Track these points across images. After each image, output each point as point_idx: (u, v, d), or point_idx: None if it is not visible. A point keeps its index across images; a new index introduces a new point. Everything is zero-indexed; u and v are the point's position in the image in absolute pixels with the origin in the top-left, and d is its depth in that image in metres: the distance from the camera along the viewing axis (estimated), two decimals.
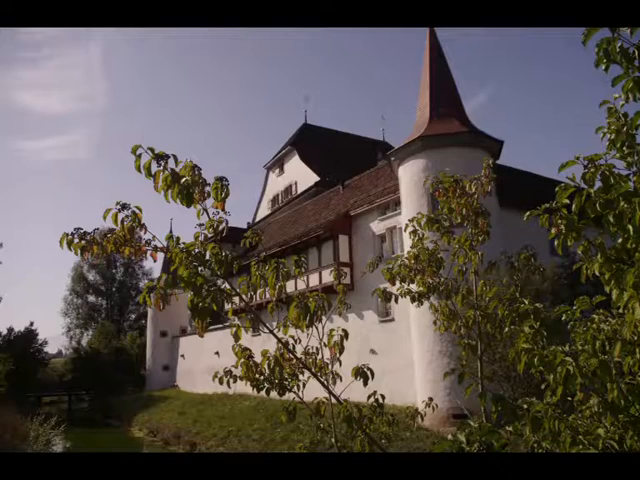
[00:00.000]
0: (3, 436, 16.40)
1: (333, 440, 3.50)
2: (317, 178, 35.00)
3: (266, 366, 3.25)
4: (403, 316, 18.78)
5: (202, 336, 2.98)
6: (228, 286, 2.87)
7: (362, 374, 3.41)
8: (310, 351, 3.58)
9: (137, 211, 2.72)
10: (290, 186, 39.24)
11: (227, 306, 3.02)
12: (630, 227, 2.39)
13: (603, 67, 2.75)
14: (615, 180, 2.46)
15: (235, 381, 3.45)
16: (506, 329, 3.49)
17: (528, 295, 4.01)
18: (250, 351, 3.29)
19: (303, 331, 3.19)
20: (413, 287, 4.29)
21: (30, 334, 44.91)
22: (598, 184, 2.53)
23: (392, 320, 20.09)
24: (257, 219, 42.08)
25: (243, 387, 4.21)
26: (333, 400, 3.36)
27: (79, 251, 2.71)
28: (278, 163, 41.50)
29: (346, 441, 3.58)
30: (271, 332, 3.29)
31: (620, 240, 2.53)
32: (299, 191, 37.27)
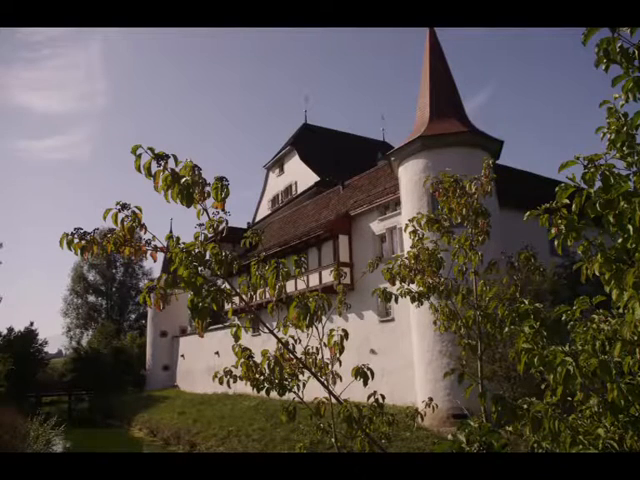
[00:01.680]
0: (3, 436, 16.39)
1: (333, 440, 3.50)
2: (317, 178, 35.00)
3: (266, 366, 3.25)
4: (403, 316, 18.77)
5: (202, 336, 2.98)
6: (228, 286, 2.87)
7: (362, 374, 3.41)
8: (310, 351, 3.58)
9: (137, 211, 2.72)
10: (290, 186, 39.24)
11: (227, 306, 3.02)
12: (630, 227, 2.39)
13: (603, 67, 2.75)
14: (615, 180, 2.46)
15: (235, 381, 3.45)
16: (506, 329, 3.48)
17: (528, 295, 4.01)
18: (250, 351, 3.29)
19: (303, 331, 3.19)
20: (413, 287, 4.28)
21: (30, 334, 44.85)
22: (598, 184, 2.53)
23: (392, 320, 20.09)
24: (257, 219, 42.07)
25: (243, 387, 4.21)
26: (333, 400, 3.35)
27: (79, 251, 2.71)
28: (278, 163, 41.50)
29: (346, 441, 3.58)
30: (271, 332, 3.29)
31: (620, 240, 2.53)
32: (299, 191, 37.27)
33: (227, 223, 2.88)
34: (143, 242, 2.80)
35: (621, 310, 2.69)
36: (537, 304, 3.36)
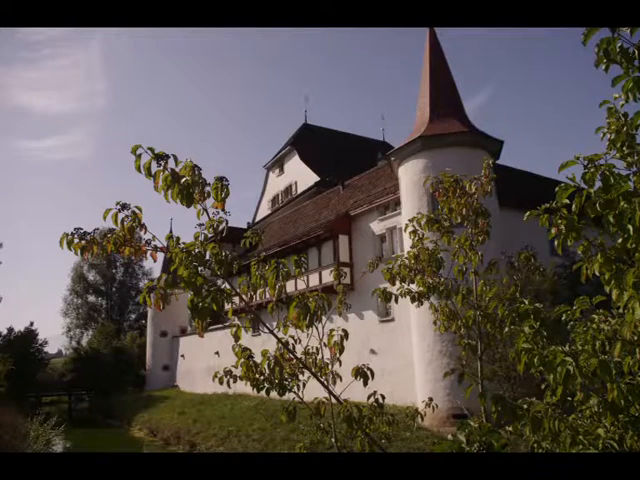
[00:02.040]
0: (3, 436, 16.38)
1: (333, 440, 3.50)
2: (317, 178, 34.99)
3: (266, 366, 3.25)
4: (403, 316, 18.77)
5: (202, 336, 2.97)
6: (228, 286, 2.87)
7: (362, 374, 3.41)
8: (310, 351, 3.58)
9: (137, 211, 2.72)
10: (290, 186, 39.23)
11: (227, 306, 3.02)
12: (630, 227, 2.39)
13: (603, 67, 2.75)
14: (615, 180, 2.46)
15: (235, 381, 3.45)
16: (506, 329, 3.48)
17: (528, 295, 4.01)
18: (250, 351, 3.29)
19: (303, 331, 3.19)
20: (413, 287, 4.28)
21: (30, 334, 44.81)
22: (598, 184, 2.53)
23: (392, 320, 20.09)
24: (257, 219, 42.06)
25: (243, 387, 4.21)
26: (333, 400, 3.35)
27: (79, 251, 2.71)
28: (278, 163, 41.48)
29: (346, 441, 3.58)
30: (271, 332, 3.29)
31: (620, 240, 2.53)
32: (299, 191, 37.26)
33: (227, 223, 2.88)
34: (143, 242, 2.79)
35: (621, 310, 2.69)
36: (537, 304, 3.36)
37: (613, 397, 2.57)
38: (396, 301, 4.23)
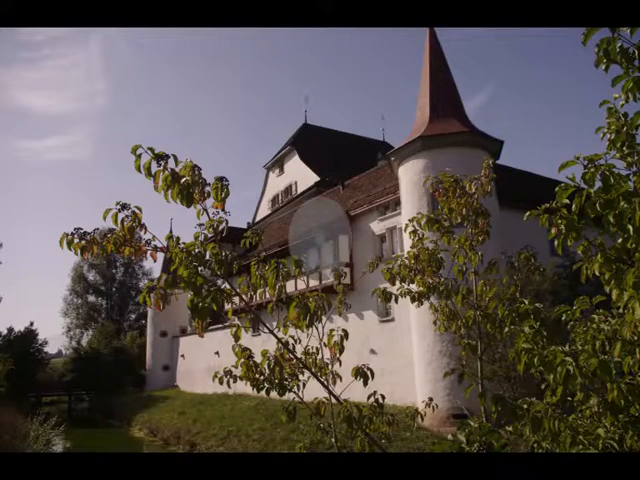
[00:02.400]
0: (3, 436, 16.38)
1: (333, 440, 3.50)
2: (317, 178, 34.99)
3: (266, 366, 3.25)
4: (403, 316, 18.77)
5: (202, 336, 2.97)
6: (228, 286, 2.87)
7: (362, 374, 3.41)
8: (310, 351, 3.58)
9: (137, 211, 2.72)
10: (290, 186, 39.24)
11: (227, 306, 3.02)
12: (630, 227, 2.39)
13: (603, 67, 2.75)
14: (615, 180, 2.46)
15: (235, 381, 3.45)
16: (506, 329, 3.48)
17: (528, 295, 4.01)
18: (250, 351, 3.29)
19: (303, 331, 3.19)
20: (413, 287, 4.28)
21: (30, 334, 44.80)
22: (598, 184, 2.53)
23: (392, 320, 20.09)
24: (257, 219, 42.07)
25: (243, 387, 4.21)
26: (333, 400, 3.35)
27: (79, 251, 2.71)
28: (278, 163, 41.49)
29: (346, 441, 3.58)
30: (271, 332, 3.29)
31: (620, 240, 2.53)
32: (299, 191, 37.26)
33: (227, 223, 2.88)
34: (143, 242, 2.80)
35: (621, 310, 2.69)
36: (537, 304, 3.36)
37: (613, 397, 2.57)
38: (396, 301, 4.23)
